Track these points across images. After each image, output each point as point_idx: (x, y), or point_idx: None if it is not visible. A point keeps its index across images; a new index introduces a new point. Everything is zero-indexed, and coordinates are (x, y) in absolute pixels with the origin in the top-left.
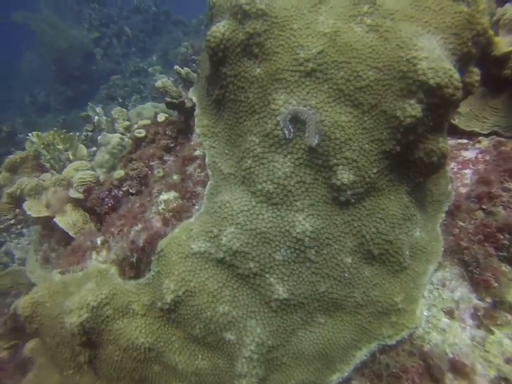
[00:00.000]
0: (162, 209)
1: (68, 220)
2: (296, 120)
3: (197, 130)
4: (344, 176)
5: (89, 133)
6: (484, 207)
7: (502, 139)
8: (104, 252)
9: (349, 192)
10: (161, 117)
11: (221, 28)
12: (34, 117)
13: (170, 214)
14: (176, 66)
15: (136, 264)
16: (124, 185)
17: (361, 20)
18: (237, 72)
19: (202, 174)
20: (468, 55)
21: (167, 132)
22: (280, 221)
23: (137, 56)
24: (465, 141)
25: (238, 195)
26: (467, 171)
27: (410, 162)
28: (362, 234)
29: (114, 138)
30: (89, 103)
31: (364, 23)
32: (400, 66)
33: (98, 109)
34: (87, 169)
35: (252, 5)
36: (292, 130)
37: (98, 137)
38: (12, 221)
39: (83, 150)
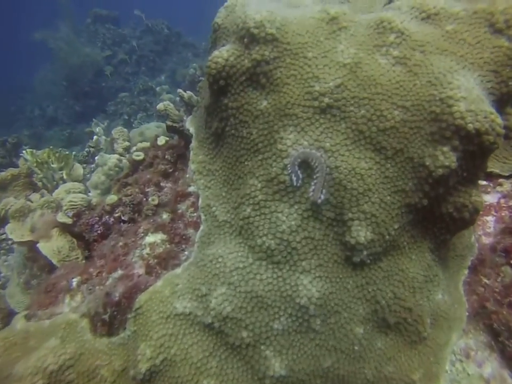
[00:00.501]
0: (147, 254)
1: (53, 246)
2: (307, 166)
3: (192, 166)
4: (361, 233)
5: (92, 149)
6: None
7: None
8: (79, 296)
9: (365, 252)
10: (161, 140)
11: (224, 53)
12: (41, 130)
13: (156, 260)
14: (179, 90)
15: (109, 321)
16: (116, 211)
17: (386, 51)
18: (240, 104)
19: (195, 214)
20: (507, 95)
21: (166, 156)
22: (281, 284)
23: (146, 75)
24: (484, 182)
25: (233, 249)
26: (489, 218)
27: (436, 217)
28: (377, 300)
29: (112, 159)
30: (94, 119)
31: (390, 55)
32: (432, 106)
33: (98, 128)
34: (79, 192)
35: (261, 28)
36: (300, 176)
37: (96, 158)
38: (3, 236)
39: (79, 169)
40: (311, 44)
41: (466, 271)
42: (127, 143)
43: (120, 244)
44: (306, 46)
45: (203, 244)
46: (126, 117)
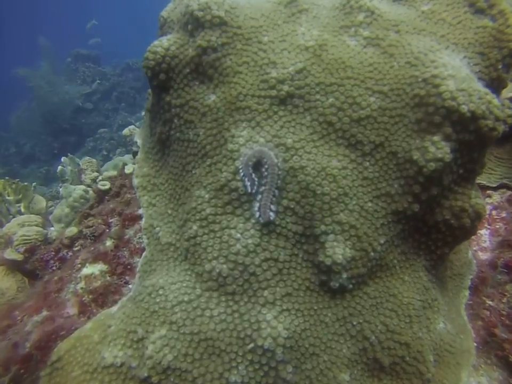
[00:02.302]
0: (81, 288)
1: None
2: (262, 166)
3: (135, 181)
4: (338, 251)
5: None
6: None
7: None
8: None
9: (345, 275)
10: (129, 168)
11: (164, 42)
12: (17, 167)
13: (91, 296)
14: (143, 113)
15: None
16: (76, 244)
17: (355, 31)
18: (185, 100)
19: (144, 242)
20: (498, 81)
21: (133, 185)
22: (237, 321)
23: (126, 111)
24: None
25: (177, 277)
26: (483, 231)
27: (430, 227)
28: (365, 335)
29: (77, 190)
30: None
31: (360, 35)
32: (414, 89)
33: (63, 158)
34: (36, 225)
35: (206, 11)
36: (255, 180)
37: (60, 189)
38: None
39: (41, 202)
40: (266, 27)
41: (467, 292)
42: (95, 174)
43: (55, 278)
44: (261, 30)
45: (144, 274)
46: (105, 153)
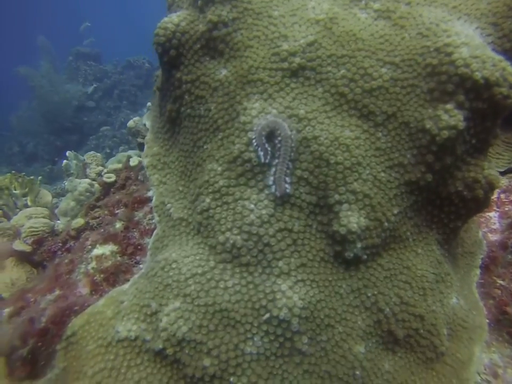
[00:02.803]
0: (92, 269)
1: (5, 278)
2: (275, 137)
3: (144, 161)
4: (352, 219)
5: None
6: None
7: None
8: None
9: (359, 245)
10: (134, 161)
11: (174, 18)
12: (20, 166)
13: (102, 276)
14: (148, 103)
15: (31, 357)
16: (82, 236)
17: (366, 4)
18: (196, 76)
19: (154, 220)
20: (511, 52)
21: (139, 177)
22: (252, 292)
23: (128, 109)
24: None
25: (190, 251)
26: (492, 214)
27: (443, 199)
28: (379, 307)
29: (83, 183)
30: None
31: (371, 8)
32: (426, 59)
33: (68, 152)
34: (42, 217)
35: None
36: (269, 150)
37: (65, 183)
38: None
39: (47, 196)
40: (276, 2)
41: (478, 271)
42: (100, 168)
43: (65, 260)
44: (271, 4)
45: (156, 250)
46: (108, 150)
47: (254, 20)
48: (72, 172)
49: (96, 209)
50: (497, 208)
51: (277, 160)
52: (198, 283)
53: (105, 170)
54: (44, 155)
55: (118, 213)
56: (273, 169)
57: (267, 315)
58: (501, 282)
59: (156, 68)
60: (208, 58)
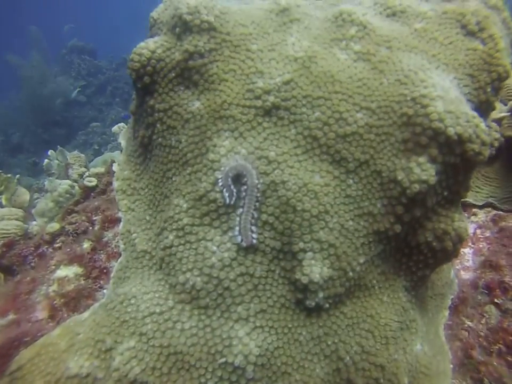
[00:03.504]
0: (53, 291)
1: None
2: (242, 180)
3: (115, 184)
4: (315, 269)
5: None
6: (497, 301)
7: (500, 213)
8: None
9: (321, 294)
10: (116, 166)
11: (151, 44)
12: (3, 157)
13: (62, 300)
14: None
15: None
16: (57, 241)
17: (346, 45)
18: (168, 105)
19: (120, 248)
20: (487, 104)
21: None
22: (209, 336)
23: (120, 106)
24: None
25: (151, 287)
26: (466, 250)
27: (412, 248)
28: (339, 355)
29: (63, 185)
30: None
31: (351, 50)
32: (402, 108)
33: (50, 151)
34: (16, 219)
35: (195, 15)
36: (234, 192)
37: (45, 183)
38: None
39: (24, 195)
40: (256, 35)
41: (447, 313)
42: (83, 169)
43: (27, 278)
44: (251, 37)
45: (118, 280)
46: (97, 147)
47: (231, 52)
48: (53, 171)
49: (74, 214)
50: (472, 244)
51: (241, 210)
52: (155, 322)
53: (87, 173)
54: (30, 147)
55: (95, 219)
56: (238, 218)
57: (222, 359)
58: (469, 323)
59: None
60: (182, 88)
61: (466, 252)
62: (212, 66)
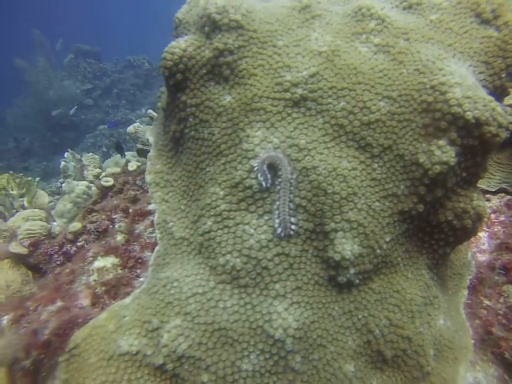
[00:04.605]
0: (94, 281)
1: (0, 280)
2: (276, 171)
3: (147, 177)
4: (346, 247)
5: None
6: None
7: None
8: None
9: (352, 271)
10: (132, 165)
11: (182, 43)
12: (15, 162)
13: (103, 288)
14: (149, 110)
15: (33, 368)
16: (80, 239)
17: (367, 38)
18: (200, 100)
19: (154, 234)
20: (501, 89)
21: (137, 182)
22: (250, 313)
23: (126, 108)
24: None
25: (192, 270)
26: (482, 234)
27: (433, 227)
28: (369, 328)
29: (80, 186)
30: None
31: (371, 42)
32: (422, 95)
33: (66, 154)
34: (39, 219)
35: (224, 14)
36: (269, 177)
37: (62, 185)
38: None
39: (43, 197)
40: (281, 32)
41: (466, 292)
42: (98, 170)
43: (66, 270)
44: (276, 34)
45: (157, 267)
46: (105, 149)
47: (259, 48)
48: (69, 173)
49: (94, 214)
50: (487, 228)
51: (277, 203)
52: (198, 302)
53: (103, 174)
54: (40, 151)
55: (115, 218)
56: (276, 211)
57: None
58: (487, 302)
59: (156, 68)
60: (213, 83)
61: (482, 235)
62: (241, 62)
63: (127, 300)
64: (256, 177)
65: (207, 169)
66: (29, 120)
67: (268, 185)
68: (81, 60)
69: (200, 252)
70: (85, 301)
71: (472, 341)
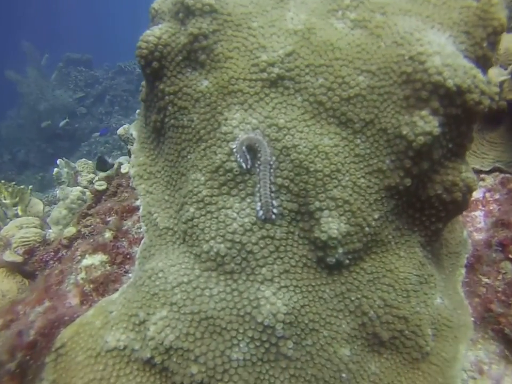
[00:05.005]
0: (82, 279)
1: None
2: (255, 152)
3: (131, 171)
4: (333, 226)
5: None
6: (511, 256)
7: (508, 175)
8: None
9: (341, 250)
10: (125, 168)
11: (156, 31)
12: (11, 175)
13: (92, 286)
14: (138, 110)
15: (19, 371)
16: (75, 244)
17: (343, 14)
18: (178, 87)
19: (141, 230)
20: (484, 59)
21: (130, 184)
22: (237, 299)
23: (119, 114)
24: None
25: (176, 260)
26: (477, 213)
27: (423, 202)
28: (363, 310)
29: (74, 191)
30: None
31: (347, 18)
32: (401, 67)
33: (59, 161)
34: (34, 227)
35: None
36: (248, 159)
37: (56, 191)
38: None
39: (38, 205)
40: (255, 14)
41: (463, 270)
42: (92, 175)
43: (56, 271)
44: (251, 16)
45: (144, 259)
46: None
47: (233, 31)
48: (63, 180)
49: (88, 218)
50: (483, 207)
51: (258, 185)
52: (184, 291)
53: (96, 178)
54: (36, 162)
55: (109, 220)
56: (258, 194)
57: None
58: (486, 280)
59: None
60: (190, 69)
61: (478, 214)
62: (216, 46)
63: (115, 295)
64: (236, 160)
65: (188, 157)
66: (23, 132)
67: (248, 166)
68: (72, 69)
69: (185, 240)
70: (73, 300)
71: (472, 319)
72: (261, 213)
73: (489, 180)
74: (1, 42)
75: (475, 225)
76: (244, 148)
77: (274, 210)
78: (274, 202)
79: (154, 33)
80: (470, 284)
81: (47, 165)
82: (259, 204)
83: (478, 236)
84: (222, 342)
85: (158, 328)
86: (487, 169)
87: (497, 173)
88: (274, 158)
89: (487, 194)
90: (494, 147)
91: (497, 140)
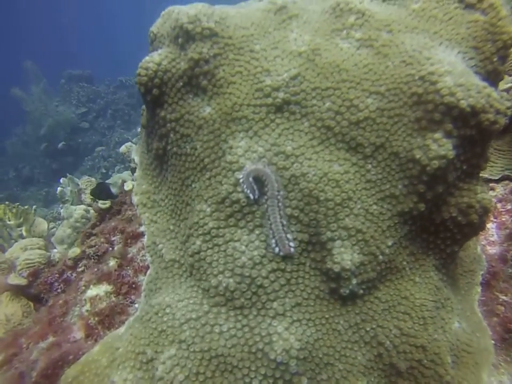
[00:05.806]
0: (87, 311)
1: (0, 314)
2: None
3: (134, 199)
4: (346, 256)
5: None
6: None
7: None
8: None
9: (354, 281)
10: (128, 185)
11: (156, 57)
12: (16, 191)
13: (97, 319)
14: (139, 129)
15: None
16: (80, 265)
17: (347, 34)
18: (180, 114)
19: (147, 260)
20: (494, 73)
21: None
22: (248, 336)
23: (122, 128)
24: None
25: (184, 295)
26: (489, 225)
27: (438, 225)
28: (379, 341)
29: (78, 210)
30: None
31: (352, 38)
32: (412, 88)
33: (62, 179)
34: (38, 248)
35: (196, 23)
36: (255, 189)
37: (61, 210)
38: None
39: (42, 225)
40: (257, 36)
41: (479, 289)
42: None
43: (60, 302)
44: (253, 38)
45: (150, 292)
46: (104, 171)
47: (235, 55)
48: (67, 198)
49: (92, 237)
50: (494, 218)
51: (269, 222)
52: (192, 328)
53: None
54: (40, 178)
55: (114, 240)
56: (271, 231)
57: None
58: (504, 297)
59: None
60: (191, 95)
61: (490, 226)
62: (218, 71)
63: (121, 329)
64: (242, 191)
65: (193, 186)
66: (27, 149)
67: (256, 197)
68: (74, 85)
69: (192, 273)
70: (78, 334)
71: (492, 342)
72: (277, 249)
73: (499, 189)
74: (6, 62)
75: (488, 238)
76: (250, 178)
77: (291, 244)
78: (289, 236)
79: (154, 59)
80: (487, 303)
81: (52, 180)
82: (273, 240)
83: (492, 250)
84: (234, 381)
85: (167, 367)
86: (496, 177)
87: (506, 182)
88: (282, 189)
89: (498, 205)
90: (502, 155)
91: (505, 147)
